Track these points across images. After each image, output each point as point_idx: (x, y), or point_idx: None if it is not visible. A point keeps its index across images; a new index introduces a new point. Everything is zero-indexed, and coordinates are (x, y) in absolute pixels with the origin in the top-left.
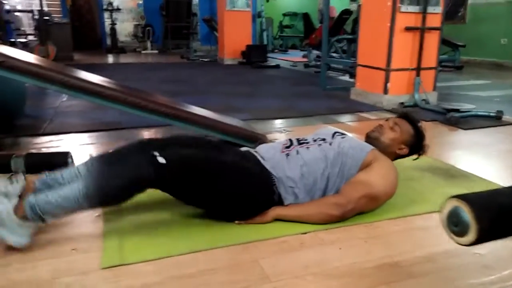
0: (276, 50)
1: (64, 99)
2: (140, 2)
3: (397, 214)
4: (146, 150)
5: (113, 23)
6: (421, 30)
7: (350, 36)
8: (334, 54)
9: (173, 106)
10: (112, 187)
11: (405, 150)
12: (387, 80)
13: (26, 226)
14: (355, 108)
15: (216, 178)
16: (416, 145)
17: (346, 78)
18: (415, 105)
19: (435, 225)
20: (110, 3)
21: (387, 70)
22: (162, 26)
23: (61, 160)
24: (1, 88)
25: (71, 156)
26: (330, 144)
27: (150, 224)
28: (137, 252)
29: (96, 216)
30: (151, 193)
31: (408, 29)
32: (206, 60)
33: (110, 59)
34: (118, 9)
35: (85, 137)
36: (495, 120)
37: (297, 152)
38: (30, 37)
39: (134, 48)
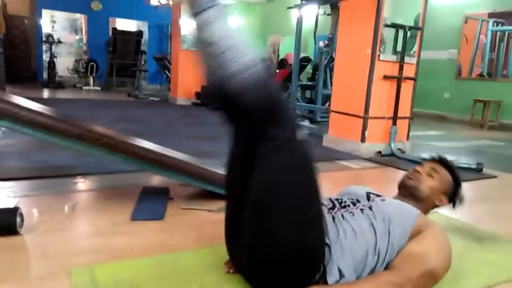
0: None
1: None
2: (80, 37)
3: None
4: None
5: (52, 56)
6: (398, 79)
7: (310, 83)
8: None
9: (156, 151)
10: None
11: (445, 201)
12: (365, 127)
13: None
14: (332, 156)
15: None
16: (453, 194)
17: (306, 123)
18: (392, 154)
19: None
20: (51, 35)
21: (365, 118)
22: (107, 62)
23: (7, 219)
24: None
25: (21, 214)
26: (370, 208)
27: None
28: None
29: None
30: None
31: (386, 77)
32: (156, 99)
33: (48, 93)
34: (59, 42)
35: (30, 185)
36: (476, 172)
37: (343, 217)
38: None
39: (74, 83)
